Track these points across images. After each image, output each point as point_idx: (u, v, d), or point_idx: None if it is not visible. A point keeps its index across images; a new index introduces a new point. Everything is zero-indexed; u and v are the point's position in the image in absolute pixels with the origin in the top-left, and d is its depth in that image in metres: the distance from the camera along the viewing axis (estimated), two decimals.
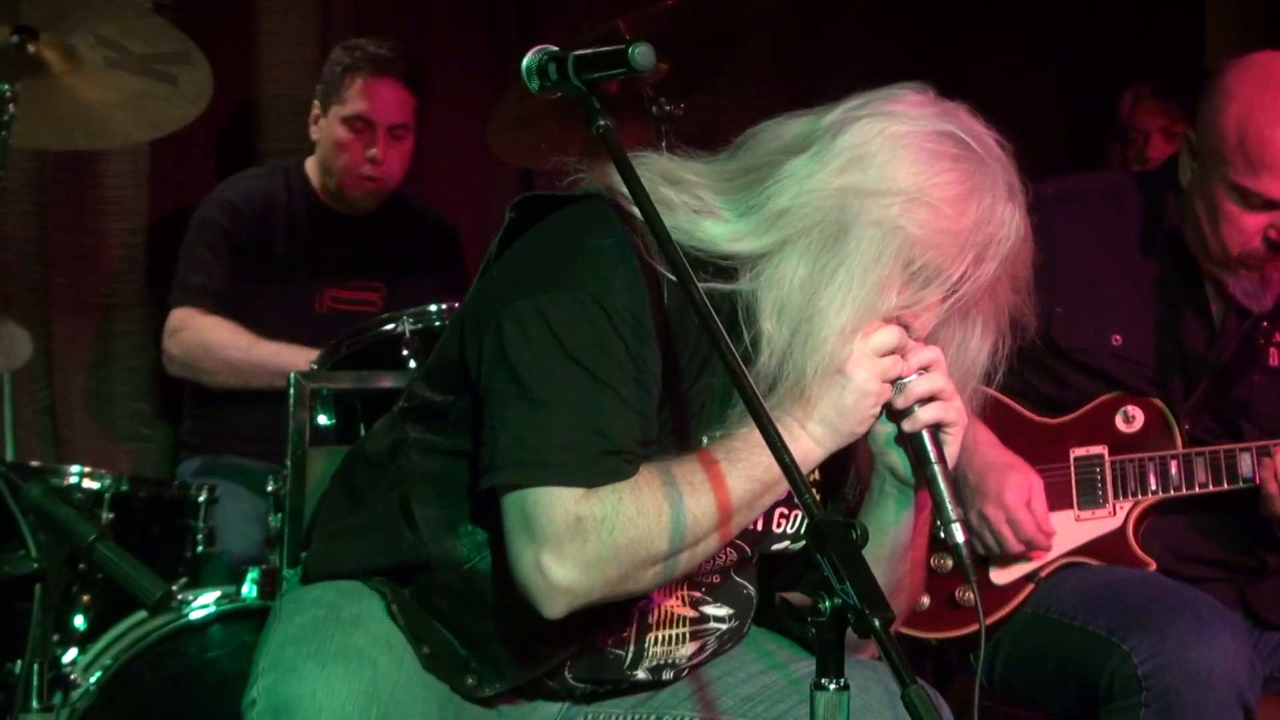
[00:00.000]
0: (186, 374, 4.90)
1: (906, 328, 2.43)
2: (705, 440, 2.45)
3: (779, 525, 2.58)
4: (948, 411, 2.43)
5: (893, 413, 2.45)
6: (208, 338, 4.78)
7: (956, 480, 2.44)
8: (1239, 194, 3.31)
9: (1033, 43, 6.13)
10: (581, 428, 2.30)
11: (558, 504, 2.28)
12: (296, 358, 4.62)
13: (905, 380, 2.42)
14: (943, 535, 2.40)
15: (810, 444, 2.39)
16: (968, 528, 2.38)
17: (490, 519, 2.40)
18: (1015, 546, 3.34)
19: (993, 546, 3.35)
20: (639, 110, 4.44)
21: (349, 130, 4.87)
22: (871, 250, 2.36)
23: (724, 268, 2.42)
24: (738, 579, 2.64)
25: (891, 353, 2.40)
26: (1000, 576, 3.40)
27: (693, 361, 2.44)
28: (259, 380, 4.71)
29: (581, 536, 2.27)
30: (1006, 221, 2.40)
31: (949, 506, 2.38)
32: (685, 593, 2.57)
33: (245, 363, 4.74)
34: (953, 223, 2.37)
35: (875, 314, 2.38)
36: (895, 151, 2.38)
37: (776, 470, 2.31)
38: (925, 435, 2.42)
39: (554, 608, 2.30)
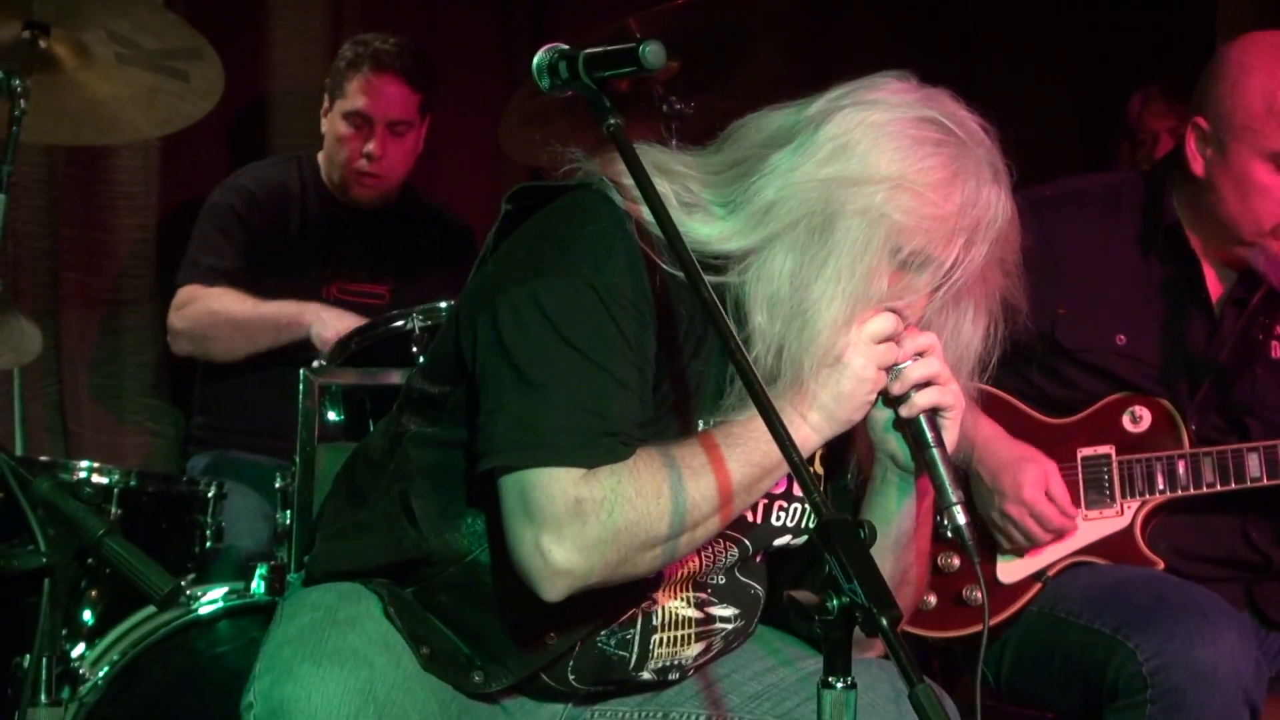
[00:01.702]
0: (193, 348, 4.88)
1: (898, 314, 2.43)
2: (701, 425, 2.46)
3: (777, 517, 2.58)
4: (945, 396, 2.43)
5: (889, 399, 2.45)
6: (213, 304, 4.78)
7: (957, 465, 2.44)
8: (1274, 161, 3.33)
9: (1045, 42, 6.13)
10: (579, 409, 2.31)
11: (556, 485, 2.28)
12: (304, 310, 4.63)
13: (901, 366, 2.42)
14: (944, 521, 2.41)
15: (807, 431, 2.39)
16: (969, 509, 2.39)
17: (489, 508, 2.40)
18: (1044, 538, 3.35)
19: (1021, 542, 3.36)
20: (649, 108, 4.45)
21: (349, 125, 4.87)
22: (859, 239, 2.36)
23: (714, 264, 2.43)
24: (743, 579, 2.64)
25: (887, 339, 2.40)
26: (1008, 575, 3.40)
27: (687, 342, 2.45)
28: (264, 336, 4.71)
29: (581, 518, 2.27)
30: (992, 204, 2.40)
31: (949, 490, 2.38)
32: (690, 594, 2.57)
33: (252, 318, 4.73)
34: (938, 208, 2.37)
35: (867, 303, 2.38)
36: (877, 140, 2.38)
37: (775, 455, 2.32)
38: (923, 420, 2.42)
39: (553, 590, 2.30)
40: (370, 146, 4.85)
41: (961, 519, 2.37)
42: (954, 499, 2.38)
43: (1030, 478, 3.31)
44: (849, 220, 2.36)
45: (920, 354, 2.43)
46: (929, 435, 2.42)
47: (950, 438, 2.45)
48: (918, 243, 2.37)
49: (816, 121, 2.43)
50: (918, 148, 2.38)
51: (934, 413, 2.43)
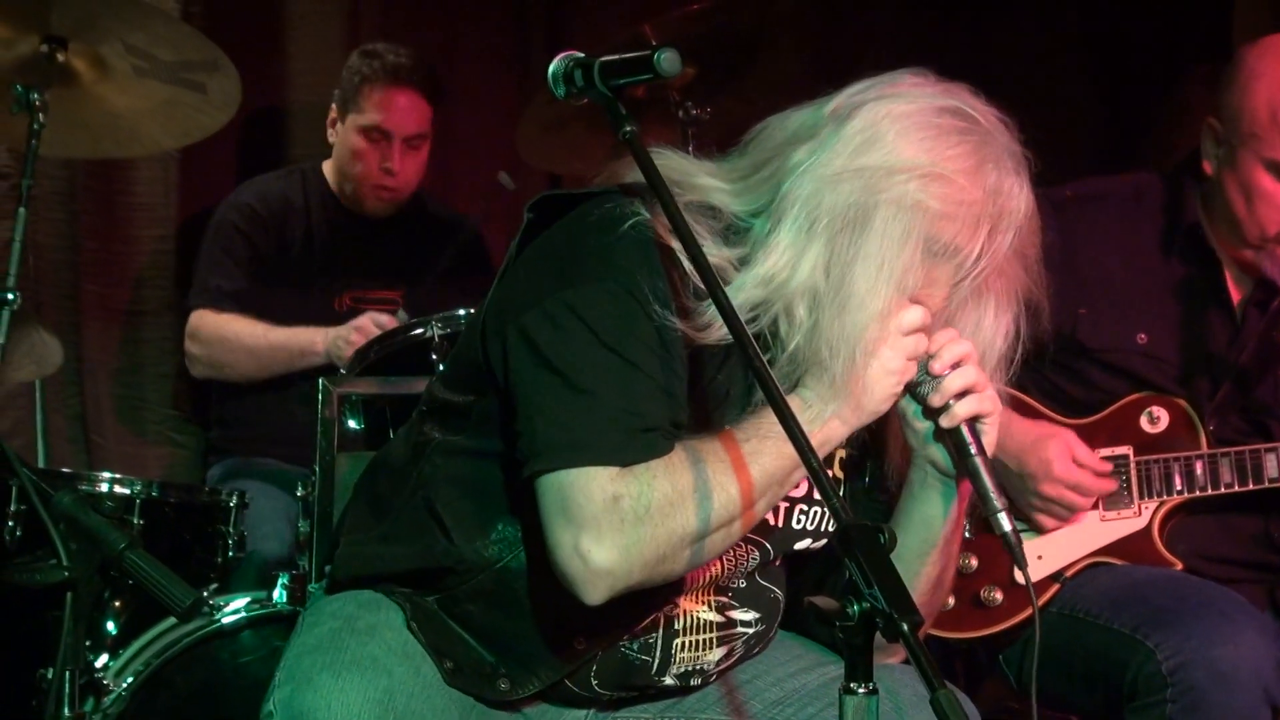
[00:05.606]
0: (210, 372, 4.92)
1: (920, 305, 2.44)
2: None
3: (798, 521, 2.59)
4: (984, 403, 2.45)
5: (930, 410, 2.46)
6: (224, 331, 4.81)
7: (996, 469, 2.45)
8: (1276, 170, 3.33)
9: (1058, 41, 6.12)
10: (619, 410, 2.32)
11: (594, 483, 2.28)
12: (314, 336, 4.65)
13: (940, 378, 2.43)
14: (990, 525, 2.41)
15: (836, 423, 2.40)
16: (1013, 515, 2.39)
17: (522, 514, 2.41)
18: (1088, 505, 3.37)
19: (1064, 516, 3.37)
20: (666, 114, 4.45)
21: (366, 140, 4.88)
22: (897, 230, 2.37)
23: (747, 257, 2.44)
24: (763, 582, 2.64)
25: (915, 331, 2.41)
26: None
27: (715, 351, 2.45)
28: (279, 364, 4.75)
29: (619, 515, 2.27)
30: (1016, 193, 2.42)
31: (993, 497, 2.40)
32: (711, 598, 2.58)
33: (264, 346, 4.77)
34: (967, 193, 2.38)
35: (905, 293, 2.39)
36: (905, 129, 2.40)
37: None
38: (964, 428, 2.43)
39: (595, 593, 2.30)
40: (390, 163, 4.87)
41: (1006, 525, 2.38)
42: (998, 505, 2.39)
43: (1055, 452, 3.32)
44: (887, 211, 2.37)
45: (957, 364, 2.44)
46: (970, 444, 2.43)
47: (990, 442, 2.46)
48: (949, 231, 2.39)
49: (840, 117, 2.44)
50: (944, 135, 2.40)
51: (974, 420, 2.44)
